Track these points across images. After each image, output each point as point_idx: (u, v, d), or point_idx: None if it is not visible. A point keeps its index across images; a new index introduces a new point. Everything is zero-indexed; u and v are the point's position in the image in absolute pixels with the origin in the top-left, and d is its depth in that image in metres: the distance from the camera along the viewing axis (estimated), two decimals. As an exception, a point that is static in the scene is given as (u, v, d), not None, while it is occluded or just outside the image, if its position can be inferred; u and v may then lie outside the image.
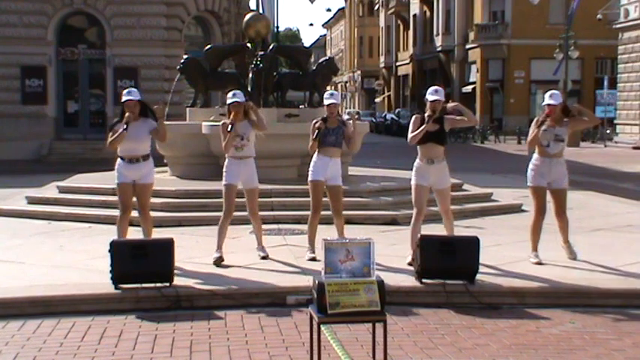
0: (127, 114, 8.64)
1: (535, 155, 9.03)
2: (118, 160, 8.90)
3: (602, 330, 6.97)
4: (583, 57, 45.87)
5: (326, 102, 9.05)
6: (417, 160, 8.84)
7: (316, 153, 9.11)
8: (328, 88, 16.67)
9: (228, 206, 8.96)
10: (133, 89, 8.97)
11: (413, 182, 8.89)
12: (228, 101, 8.86)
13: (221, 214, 9.05)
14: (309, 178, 9.16)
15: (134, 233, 9.26)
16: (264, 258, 8.98)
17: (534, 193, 9.06)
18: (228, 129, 8.72)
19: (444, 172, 8.85)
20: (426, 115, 8.65)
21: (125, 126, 8.59)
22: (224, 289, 7.76)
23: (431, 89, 8.86)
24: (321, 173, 9.07)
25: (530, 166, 9.07)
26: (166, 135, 8.90)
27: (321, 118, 9.03)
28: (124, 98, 8.72)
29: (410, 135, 8.71)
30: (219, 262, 8.76)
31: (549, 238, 9.52)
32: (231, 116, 8.76)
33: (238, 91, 9.10)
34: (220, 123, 9.10)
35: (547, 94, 9.03)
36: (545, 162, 8.92)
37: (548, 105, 8.84)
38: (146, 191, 8.94)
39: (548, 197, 9.10)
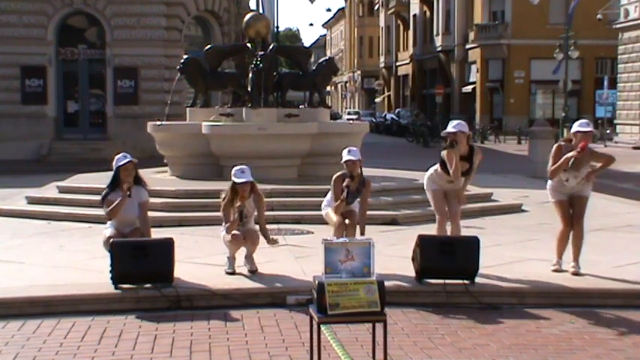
0: (126, 181, 8.09)
1: (550, 182, 8.55)
2: (109, 225, 8.35)
3: (602, 330, 6.97)
4: (583, 57, 45.86)
5: (344, 158, 8.41)
6: (435, 178, 8.64)
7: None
8: (328, 88, 16.66)
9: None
10: (127, 154, 8.38)
11: (431, 188, 8.67)
12: (238, 181, 8.05)
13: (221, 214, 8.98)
14: (326, 212, 8.71)
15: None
16: (252, 272, 8.34)
17: (557, 206, 8.56)
18: (238, 224, 8.07)
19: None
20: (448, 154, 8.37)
21: (129, 193, 8.07)
22: (224, 289, 7.75)
23: (450, 127, 8.54)
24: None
25: (549, 184, 8.59)
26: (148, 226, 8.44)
27: (349, 176, 8.39)
28: (121, 162, 8.17)
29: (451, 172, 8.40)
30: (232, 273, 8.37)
31: (548, 238, 9.52)
32: (239, 199, 8.07)
33: (246, 168, 8.21)
34: (222, 199, 8.25)
35: (578, 123, 8.44)
36: (565, 188, 8.47)
37: (584, 132, 8.21)
38: None
39: None
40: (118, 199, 8.10)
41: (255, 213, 8.36)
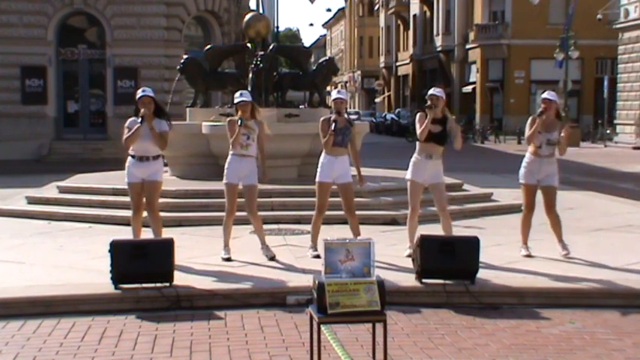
0: (142, 110, 8.63)
1: (528, 154, 9.31)
2: (129, 158, 8.90)
3: (602, 330, 6.97)
4: (583, 57, 45.85)
5: (333, 96, 9.11)
6: (415, 155, 9.04)
7: (323, 153, 9.10)
8: (328, 88, 16.67)
9: (230, 205, 9.07)
10: (147, 88, 9.02)
11: (408, 177, 9.10)
12: (236, 100, 8.97)
13: (221, 214, 9.11)
14: (317, 179, 9.14)
15: (144, 234, 9.19)
16: (272, 259, 8.97)
17: (524, 190, 9.34)
18: (239, 123, 8.76)
19: (438, 169, 9.06)
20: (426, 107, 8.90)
21: (140, 119, 8.58)
22: (224, 289, 7.75)
23: (431, 90, 9.13)
24: (328, 174, 9.05)
25: (523, 164, 9.33)
26: (165, 145, 8.86)
27: (334, 113, 9.02)
28: (139, 95, 8.76)
29: (418, 132, 8.98)
30: (228, 260, 8.90)
31: (549, 238, 9.52)
32: (239, 114, 8.85)
33: (245, 91, 9.25)
34: (227, 120, 9.19)
35: (546, 92, 9.42)
36: (536, 161, 9.19)
37: (545, 99, 9.16)
38: (154, 189, 8.93)
39: (539, 196, 9.34)
40: (135, 127, 8.63)
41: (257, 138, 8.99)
